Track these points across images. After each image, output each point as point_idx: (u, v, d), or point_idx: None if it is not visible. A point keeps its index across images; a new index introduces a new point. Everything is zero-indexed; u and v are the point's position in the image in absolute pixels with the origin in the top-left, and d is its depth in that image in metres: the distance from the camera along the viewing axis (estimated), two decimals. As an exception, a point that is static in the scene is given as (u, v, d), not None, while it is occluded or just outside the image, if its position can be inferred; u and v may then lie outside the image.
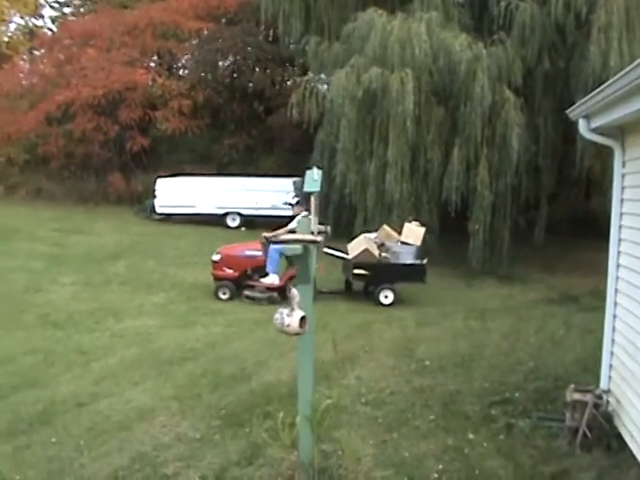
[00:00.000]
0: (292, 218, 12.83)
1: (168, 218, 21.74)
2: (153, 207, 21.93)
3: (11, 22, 37.14)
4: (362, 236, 13.44)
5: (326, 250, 12.50)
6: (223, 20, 27.39)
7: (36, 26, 37.99)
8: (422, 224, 13.86)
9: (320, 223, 5.25)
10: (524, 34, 15.87)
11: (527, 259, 16.21)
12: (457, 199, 15.30)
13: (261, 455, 5.81)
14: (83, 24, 28.80)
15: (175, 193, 21.57)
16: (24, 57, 33.52)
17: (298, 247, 4.73)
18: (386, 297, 13.06)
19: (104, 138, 24.64)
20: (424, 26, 15.58)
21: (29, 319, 10.95)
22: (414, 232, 13.37)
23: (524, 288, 14.69)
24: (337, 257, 13.20)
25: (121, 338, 9.81)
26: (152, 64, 27.68)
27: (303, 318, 4.70)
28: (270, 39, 25.94)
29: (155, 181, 22.11)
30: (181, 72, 29.78)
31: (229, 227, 20.74)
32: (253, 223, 20.52)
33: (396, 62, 15.48)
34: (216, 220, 20.96)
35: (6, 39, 36.75)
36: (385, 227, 13.58)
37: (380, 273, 13.01)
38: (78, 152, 25.20)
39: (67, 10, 39.69)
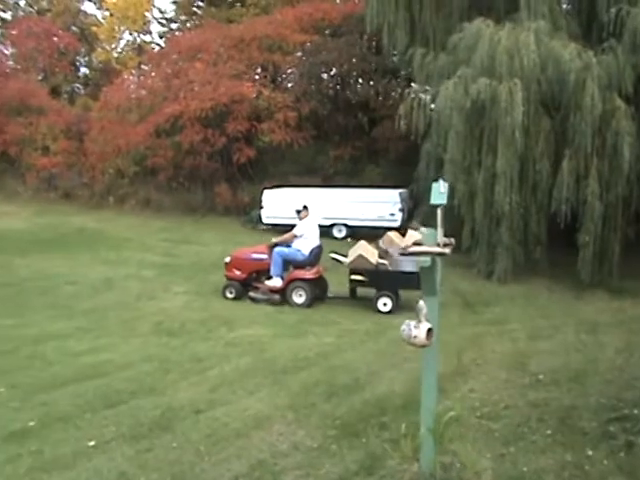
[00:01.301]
0: (292, 227, 14.25)
1: (273, 228, 22.00)
2: (260, 218, 22.27)
3: (121, 39, 38.35)
4: (361, 242, 13.83)
5: (332, 255, 13.85)
6: (327, 32, 27.56)
7: (144, 42, 39.18)
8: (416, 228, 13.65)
9: (444, 235, 5.26)
10: (635, 41, 15.47)
11: (638, 272, 15.77)
12: (567, 210, 15.04)
13: (380, 466, 5.74)
14: (190, 39, 29.52)
15: (282, 204, 21.80)
16: (133, 72, 34.37)
17: (427, 259, 4.75)
18: (385, 305, 12.99)
19: (211, 150, 25.12)
20: (532, 35, 15.40)
21: (144, 327, 11.22)
22: (415, 239, 13.01)
23: (635, 302, 14.18)
24: (339, 262, 13.55)
25: (235, 347, 9.93)
26: (257, 77, 28.00)
27: (430, 330, 4.73)
28: (374, 51, 26.00)
29: (262, 192, 22.46)
30: (285, 84, 30.09)
31: (335, 238, 20.80)
32: (359, 234, 20.53)
33: (504, 72, 15.36)
34: (321, 231, 20.98)
35: (116, 55, 37.99)
36: (389, 234, 13.69)
37: (376, 280, 13.21)
38: (186, 163, 25.80)
39: (174, 26, 40.96)
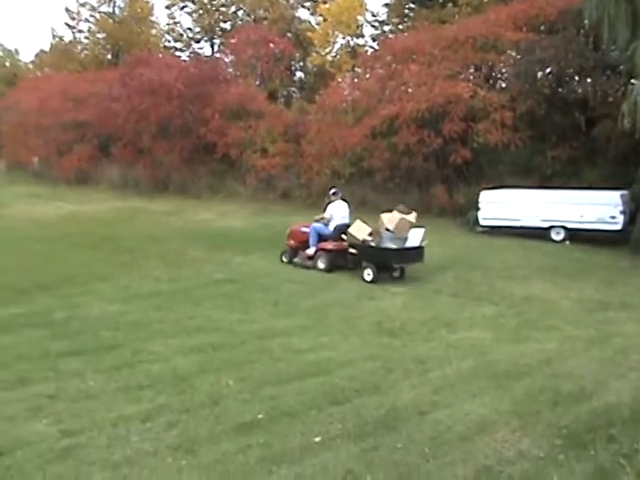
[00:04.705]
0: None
1: (489, 230, 21.84)
2: (476, 219, 22.13)
3: (335, 43, 39.23)
4: (357, 220, 16.12)
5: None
6: (542, 29, 26.96)
7: (358, 45, 39.89)
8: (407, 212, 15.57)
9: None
10: None
11: None
12: None
13: (613, 481, 5.62)
14: (403, 41, 29.74)
15: (499, 205, 21.66)
16: (347, 75, 34.98)
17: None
18: (368, 275, 15.14)
19: (427, 151, 25.07)
20: None
21: (364, 326, 11.33)
22: (392, 219, 15.21)
23: None
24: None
25: (455, 349, 9.87)
26: (471, 77, 27.76)
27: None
28: (592, 46, 25.15)
29: (478, 193, 22.35)
30: (499, 83, 29.68)
31: (553, 241, 20.41)
32: (578, 237, 20.03)
33: None
34: (539, 234, 20.77)
35: (330, 58, 38.92)
36: (381, 215, 15.58)
37: (362, 254, 15.55)
38: (402, 165, 25.87)
39: (386, 28, 41.45)
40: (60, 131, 39.22)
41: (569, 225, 20.32)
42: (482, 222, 22.05)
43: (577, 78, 25.85)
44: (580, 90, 25.38)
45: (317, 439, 6.58)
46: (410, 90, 26.44)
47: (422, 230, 15.47)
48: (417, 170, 25.85)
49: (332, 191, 17.58)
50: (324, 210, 17.19)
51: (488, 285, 14.62)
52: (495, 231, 21.61)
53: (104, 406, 7.45)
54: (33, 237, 21.57)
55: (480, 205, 22.13)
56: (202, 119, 33.47)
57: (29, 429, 6.84)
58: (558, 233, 20.54)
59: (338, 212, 16.87)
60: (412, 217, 15.45)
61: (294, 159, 30.74)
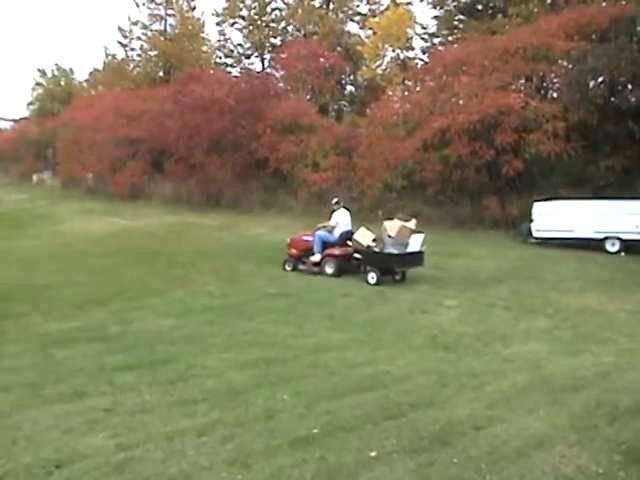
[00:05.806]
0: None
1: (543, 242, 21.66)
2: (529, 231, 21.98)
3: (385, 56, 39.27)
4: (362, 227, 17.14)
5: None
6: (593, 37, 26.64)
7: (408, 58, 39.85)
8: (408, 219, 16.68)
9: None
10: None
11: None
12: None
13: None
14: (453, 52, 29.65)
15: (552, 217, 21.51)
16: (398, 88, 34.97)
17: None
18: (372, 278, 16.20)
19: (479, 163, 24.98)
20: None
21: (418, 340, 11.23)
22: (393, 226, 16.29)
23: None
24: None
25: (510, 363, 9.74)
26: (522, 87, 27.57)
27: None
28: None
29: (532, 205, 22.18)
30: (551, 94, 29.41)
31: (608, 252, 20.19)
32: (633, 248, 19.75)
33: None
34: (593, 245, 20.61)
35: (380, 72, 38.97)
36: (384, 223, 16.71)
37: (366, 258, 16.60)
38: (454, 177, 25.81)
39: (436, 40, 41.32)
40: (113, 147, 40.01)
41: (624, 236, 20.06)
42: (535, 234, 21.96)
43: (630, 86, 25.53)
44: (633, 99, 25.04)
45: (373, 454, 6.50)
46: (461, 102, 26.47)
47: (422, 236, 16.40)
48: (469, 182, 25.77)
49: (335, 200, 18.44)
50: (329, 218, 18.18)
51: (542, 297, 14.43)
52: (548, 243, 21.45)
53: (159, 420, 7.47)
54: (88, 252, 21.98)
55: (533, 217, 22.06)
56: (254, 134, 33.83)
57: (86, 442, 6.88)
58: (613, 244, 20.34)
59: (342, 220, 17.92)
60: (412, 224, 16.48)
61: (346, 173, 30.86)
